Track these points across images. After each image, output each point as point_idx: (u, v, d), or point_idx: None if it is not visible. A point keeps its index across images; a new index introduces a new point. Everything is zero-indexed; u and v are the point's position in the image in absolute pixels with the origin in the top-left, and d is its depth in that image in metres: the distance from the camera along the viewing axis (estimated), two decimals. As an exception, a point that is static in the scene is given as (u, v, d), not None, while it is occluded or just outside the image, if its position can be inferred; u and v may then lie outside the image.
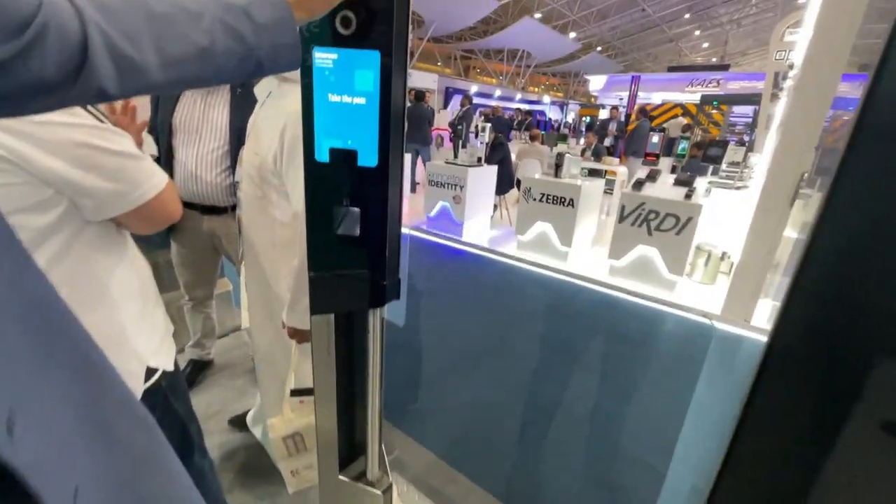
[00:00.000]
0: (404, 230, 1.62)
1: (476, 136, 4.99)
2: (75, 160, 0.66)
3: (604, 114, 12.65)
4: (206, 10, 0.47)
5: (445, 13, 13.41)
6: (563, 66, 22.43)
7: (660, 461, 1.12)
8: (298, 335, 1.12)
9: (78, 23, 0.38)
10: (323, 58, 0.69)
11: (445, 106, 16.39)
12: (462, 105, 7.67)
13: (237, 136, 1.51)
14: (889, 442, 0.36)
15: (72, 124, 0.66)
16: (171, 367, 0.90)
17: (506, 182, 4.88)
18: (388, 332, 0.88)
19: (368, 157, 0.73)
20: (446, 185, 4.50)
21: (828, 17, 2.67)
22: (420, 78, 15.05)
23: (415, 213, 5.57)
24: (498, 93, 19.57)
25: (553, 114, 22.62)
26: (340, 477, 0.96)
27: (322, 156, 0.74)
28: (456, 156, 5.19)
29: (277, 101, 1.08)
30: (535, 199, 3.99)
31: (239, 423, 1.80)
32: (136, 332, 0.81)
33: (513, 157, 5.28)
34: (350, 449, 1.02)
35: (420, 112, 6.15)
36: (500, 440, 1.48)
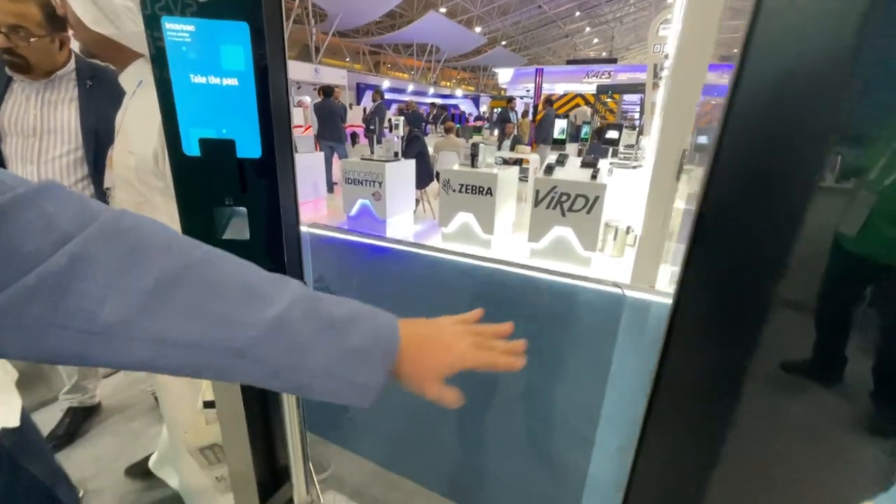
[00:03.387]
0: (323, 231, 1.51)
1: (390, 130, 4.89)
2: None
3: (519, 105, 12.89)
4: (283, 303, 0.39)
5: (349, 6, 12.96)
6: (471, 60, 23.03)
7: (588, 428, 1.17)
8: None
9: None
10: (176, 30, 0.58)
11: (359, 101, 15.93)
12: (374, 100, 7.47)
13: (93, 138, 1.27)
14: (788, 379, 0.42)
15: None
16: (14, 423, 0.73)
17: (425, 175, 4.86)
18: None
19: (250, 148, 0.63)
20: (364, 183, 4.36)
21: (693, 14, 2.98)
22: (328, 74, 14.41)
23: (334, 214, 5.33)
24: (411, 87, 19.48)
25: (466, 107, 23.16)
26: (263, 511, 0.86)
27: (191, 149, 0.63)
28: (372, 152, 5.07)
29: (152, 89, 0.92)
30: (454, 190, 4.04)
31: (139, 471, 1.54)
32: None
33: (430, 150, 5.27)
34: (272, 476, 0.92)
35: (330, 108, 5.81)
36: (438, 437, 1.45)
